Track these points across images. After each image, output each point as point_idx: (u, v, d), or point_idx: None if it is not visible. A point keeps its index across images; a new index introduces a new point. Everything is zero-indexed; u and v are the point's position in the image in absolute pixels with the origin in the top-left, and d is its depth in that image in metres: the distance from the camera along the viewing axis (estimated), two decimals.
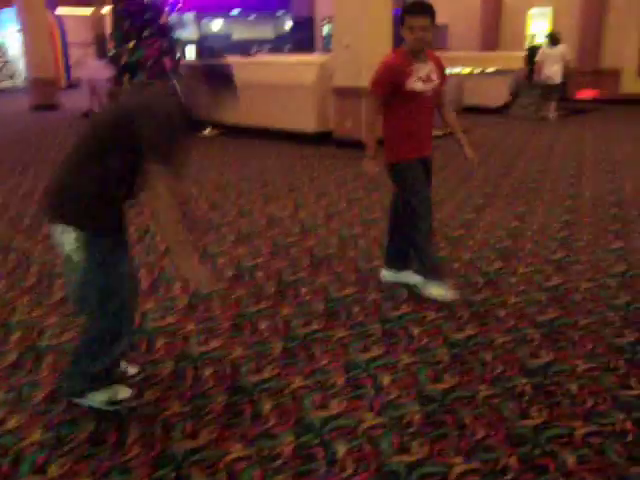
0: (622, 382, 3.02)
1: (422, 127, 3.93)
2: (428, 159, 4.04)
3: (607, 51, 16.19)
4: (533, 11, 18.05)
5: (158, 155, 2.42)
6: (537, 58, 12.73)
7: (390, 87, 3.77)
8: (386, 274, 4.32)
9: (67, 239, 2.57)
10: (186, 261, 2.61)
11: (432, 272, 4.02)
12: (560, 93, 13.01)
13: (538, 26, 18.05)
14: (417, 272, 4.11)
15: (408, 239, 4.06)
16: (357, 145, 9.19)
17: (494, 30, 18.27)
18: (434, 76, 3.83)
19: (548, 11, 17.70)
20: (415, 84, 3.75)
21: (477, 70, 14.73)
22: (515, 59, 14.78)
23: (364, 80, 9.03)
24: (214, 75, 2.73)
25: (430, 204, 3.97)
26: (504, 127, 12.24)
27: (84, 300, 2.73)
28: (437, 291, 3.98)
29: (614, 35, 15.91)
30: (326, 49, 17.22)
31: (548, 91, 12.73)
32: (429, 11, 3.65)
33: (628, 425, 2.67)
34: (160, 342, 3.51)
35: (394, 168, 3.98)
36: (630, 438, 2.59)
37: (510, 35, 15.85)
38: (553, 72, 12.41)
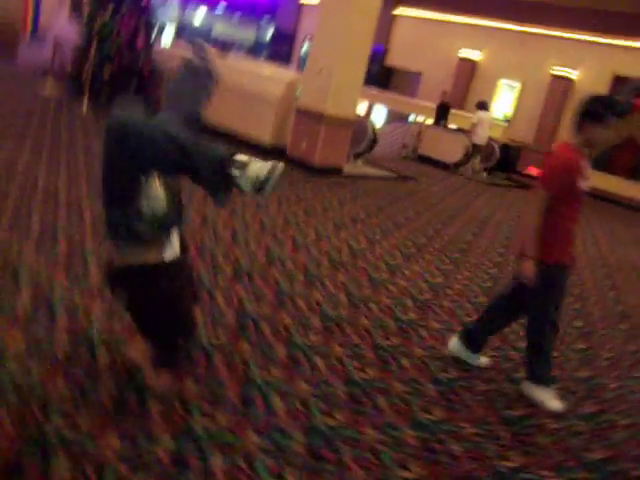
0: (503, 454, 3.18)
1: (575, 225, 3.77)
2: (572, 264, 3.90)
3: (562, 136, 17.28)
4: (503, 81, 18.95)
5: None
6: (473, 121, 14.23)
7: (566, 186, 3.59)
8: (457, 347, 4.16)
9: None
10: None
11: (543, 379, 3.84)
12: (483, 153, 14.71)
13: (504, 97, 18.99)
14: (529, 376, 3.89)
15: (530, 341, 3.89)
16: (308, 168, 9.60)
17: (463, 89, 19.05)
18: (589, 176, 3.67)
19: (517, 85, 18.63)
20: (583, 183, 3.60)
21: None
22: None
23: (328, 107, 9.61)
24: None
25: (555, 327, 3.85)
26: (451, 184, 12.86)
27: None
28: (543, 396, 3.80)
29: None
30: (301, 67, 17.47)
31: (478, 150, 14.34)
32: None
33: None
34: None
35: (548, 269, 3.65)
36: None
37: (475, 97, 16.65)
38: (485, 134, 14.22)
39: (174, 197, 2.67)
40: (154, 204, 2.50)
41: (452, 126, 15.27)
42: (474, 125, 14.15)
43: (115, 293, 2.86)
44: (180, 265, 2.81)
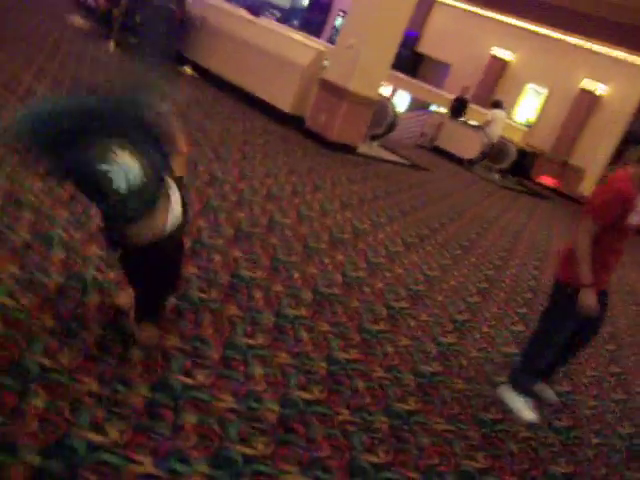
0: (470, 453, 3.21)
1: (617, 259, 3.73)
2: (606, 291, 3.82)
3: (580, 150, 17.21)
4: (530, 86, 18.69)
5: None
6: (487, 118, 14.33)
7: (615, 218, 3.48)
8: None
9: None
10: None
11: (524, 389, 3.83)
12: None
13: (529, 102, 18.76)
14: (511, 381, 3.90)
15: (525, 351, 3.94)
16: (324, 141, 9.56)
17: (490, 88, 18.83)
18: None
19: (543, 92, 18.41)
20: (633, 218, 3.50)
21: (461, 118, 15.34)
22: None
23: (352, 84, 9.54)
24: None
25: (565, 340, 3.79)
26: (463, 180, 12.82)
27: None
28: (520, 405, 3.78)
29: (591, 138, 16.95)
30: (332, 40, 17.30)
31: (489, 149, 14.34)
32: None
33: None
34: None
35: (570, 291, 3.60)
36: None
37: (503, 97, 16.52)
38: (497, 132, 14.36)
39: (152, 164, 2.45)
40: (128, 176, 2.34)
41: (473, 122, 15.16)
42: (487, 122, 14.24)
43: (111, 248, 2.88)
44: (179, 228, 2.79)
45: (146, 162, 2.39)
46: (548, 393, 4.10)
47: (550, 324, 3.80)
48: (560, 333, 3.73)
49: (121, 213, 2.45)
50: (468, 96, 15.57)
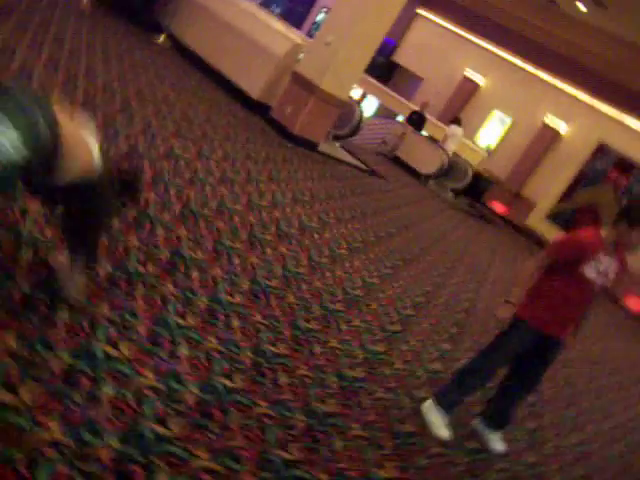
0: (380, 462, 3.27)
1: (570, 308, 3.79)
2: (555, 340, 3.86)
3: (534, 183, 17.68)
4: (496, 112, 19.02)
5: None
6: (446, 132, 15.07)
7: (570, 260, 3.68)
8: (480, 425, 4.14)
9: None
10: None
11: (447, 405, 3.91)
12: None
13: (493, 128, 19.11)
14: (436, 393, 4.01)
15: (461, 368, 4.07)
16: (286, 133, 9.56)
17: (458, 108, 19.03)
18: (611, 275, 3.72)
19: (508, 121, 18.77)
20: (590, 272, 3.63)
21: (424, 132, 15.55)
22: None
23: (324, 81, 9.55)
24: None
25: (492, 375, 3.97)
26: (417, 194, 12.93)
27: None
28: (437, 422, 3.87)
29: (546, 173, 17.39)
30: (311, 34, 17.25)
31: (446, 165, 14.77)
32: None
33: None
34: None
35: (515, 321, 3.78)
36: None
37: (467, 119, 16.76)
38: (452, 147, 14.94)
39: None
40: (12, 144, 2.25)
41: (436, 138, 15.36)
42: (446, 136, 14.93)
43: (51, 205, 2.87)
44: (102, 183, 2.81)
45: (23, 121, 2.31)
46: (496, 443, 4.07)
47: (489, 348, 3.96)
48: (494, 360, 3.92)
49: (36, 171, 2.46)
50: (426, 112, 15.72)
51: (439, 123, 16.62)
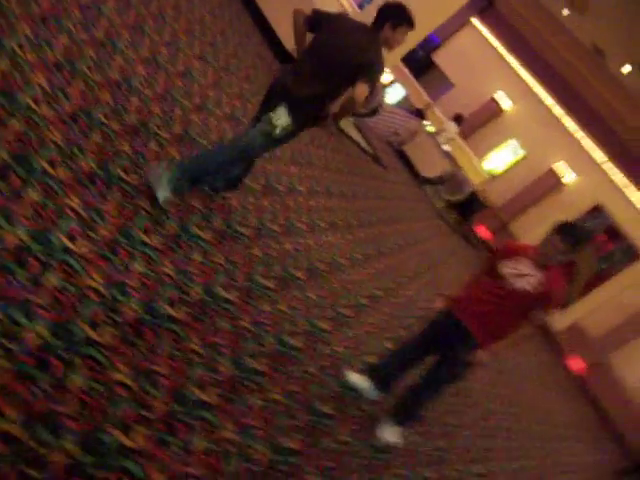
0: (288, 432, 3.31)
1: (481, 295, 3.99)
2: (463, 329, 3.97)
3: (524, 220, 17.82)
4: (512, 141, 19.03)
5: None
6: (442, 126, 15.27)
7: (491, 257, 4.23)
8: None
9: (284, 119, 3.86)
10: None
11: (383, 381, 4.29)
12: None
13: (504, 154, 19.16)
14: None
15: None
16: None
17: (476, 124, 19.02)
18: (531, 279, 3.83)
19: (520, 153, 18.84)
20: (505, 269, 3.92)
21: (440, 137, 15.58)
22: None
23: None
24: None
25: (407, 359, 4.31)
26: (409, 193, 12.93)
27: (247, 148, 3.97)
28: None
29: (538, 216, 17.43)
30: (362, 5, 17.01)
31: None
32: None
33: None
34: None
35: (447, 312, 4.15)
36: None
37: (482, 139, 16.78)
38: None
39: None
40: None
41: (447, 148, 15.36)
42: (440, 129, 15.31)
43: None
44: None
45: None
46: (386, 432, 4.17)
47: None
48: (415, 337, 4.36)
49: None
50: (426, 112, 15.78)
51: (443, 118, 16.59)
